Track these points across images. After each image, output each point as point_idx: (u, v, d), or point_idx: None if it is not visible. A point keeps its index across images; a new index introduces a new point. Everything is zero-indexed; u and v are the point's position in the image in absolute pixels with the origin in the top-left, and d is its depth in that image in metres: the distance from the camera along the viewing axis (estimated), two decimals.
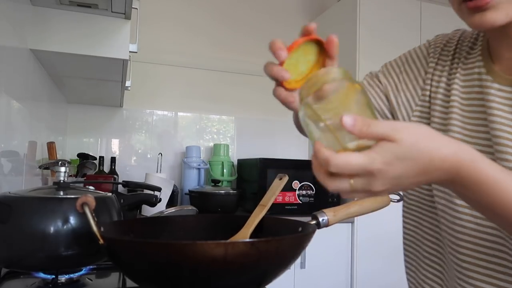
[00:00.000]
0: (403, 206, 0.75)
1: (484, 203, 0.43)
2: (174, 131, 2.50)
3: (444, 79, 0.66)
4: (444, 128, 0.63)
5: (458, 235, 0.60)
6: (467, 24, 0.56)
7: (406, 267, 0.76)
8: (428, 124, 0.66)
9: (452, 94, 0.63)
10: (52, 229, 0.68)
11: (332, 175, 0.40)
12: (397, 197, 0.72)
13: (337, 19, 2.48)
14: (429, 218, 0.68)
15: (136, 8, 1.33)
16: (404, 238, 0.76)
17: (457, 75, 0.64)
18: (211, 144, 2.54)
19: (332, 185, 0.40)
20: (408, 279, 0.76)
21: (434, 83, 0.67)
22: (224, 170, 2.38)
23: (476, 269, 0.58)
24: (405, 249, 0.76)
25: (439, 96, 0.65)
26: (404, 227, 0.75)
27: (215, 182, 2.16)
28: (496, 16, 0.52)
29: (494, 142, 0.57)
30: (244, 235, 0.69)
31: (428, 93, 0.67)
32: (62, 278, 0.79)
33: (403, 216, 0.75)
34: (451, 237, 0.61)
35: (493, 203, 0.42)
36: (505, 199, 0.42)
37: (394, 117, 0.72)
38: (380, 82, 0.74)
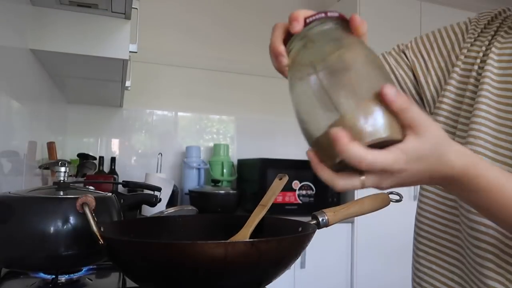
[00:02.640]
0: (419, 201, 0.69)
1: (482, 205, 0.44)
2: (174, 131, 2.50)
3: (480, 55, 0.60)
4: (471, 109, 0.59)
5: (476, 234, 0.57)
6: None
7: (420, 263, 0.69)
8: (460, 105, 0.61)
9: (486, 71, 0.58)
10: (52, 229, 0.68)
11: (339, 171, 0.37)
12: (397, 197, 0.72)
13: None
14: (448, 215, 0.63)
15: (136, 8, 1.33)
16: (417, 235, 0.69)
17: (493, 50, 0.59)
18: (211, 144, 2.54)
19: (342, 183, 0.37)
20: (418, 277, 0.69)
21: (470, 60, 0.62)
22: (224, 170, 2.38)
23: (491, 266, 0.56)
24: (418, 248, 0.70)
25: (473, 73, 0.60)
26: (418, 223, 0.69)
27: (215, 182, 2.16)
28: None
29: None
30: (244, 235, 0.69)
31: (459, 70, 0.62)
32: (62, 278, 0.79)
33: (418, 214, 0.69)
34: (469, 237, 0.58)
35: (490, 206, 0.43)
36: (502, 202, 0.42)
37: (422, 98, 0.67)
38: (407, 58, 0.69)
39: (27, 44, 1.19)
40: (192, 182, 2.31)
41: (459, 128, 0.60)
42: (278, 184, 0.73)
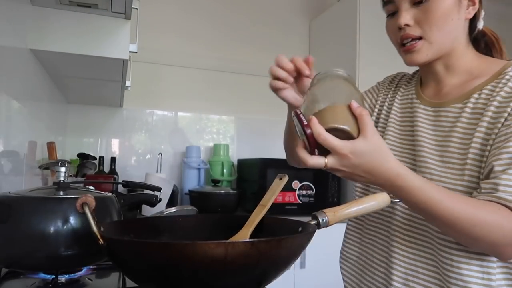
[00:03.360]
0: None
1: (414, 203, 0.62)
2: (174, 131, 2.50)
3: (387, 102, 0.88)
4: (383, 136, 0.84)
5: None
6: (403, 60, 0.78)
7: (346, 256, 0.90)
8: None
9: (391, 112, 0.85)
10: (52, 229, 0.68)
11: (311, 154, 0.58)
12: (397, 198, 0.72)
13: (337, 19, 2.48)
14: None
15: (136, 8, 1.33)
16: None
17: (396, 100, 0.86)
18: (211, 144, 2.54)
19: (311, 161, 0.57)
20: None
21: (379, 106, 0.90)
22: (224, 170, 2.38)
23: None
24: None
25: (382, 115, 0.88)
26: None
27: (215, 182, 2.16)
28: (418, 57, 0.74)
29: (415, 149, 0.77)
30: (244, 235, 0.69)
31: (377, 111, 0.90)
32: (62, 278, 0.79)
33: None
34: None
35: (418, 202, 0.61)
36: (426, 199, 0.60)
37: None
38: None
39: (27, 44, 1.19)
40: (192, 182, 2.31)
41: None
42: (278, 184, 0.73)
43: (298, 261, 1.91)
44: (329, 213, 0.67)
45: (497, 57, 0.80)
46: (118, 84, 1.71)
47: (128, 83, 1.74)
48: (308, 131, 0.56)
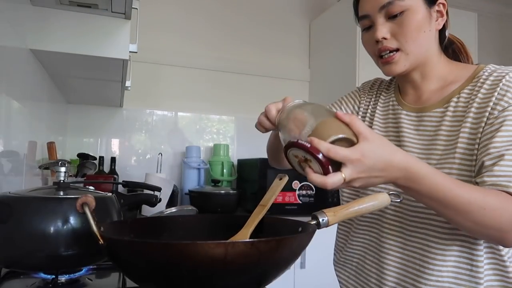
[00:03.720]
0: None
1: (425, 191, 0.61)
2: (174, 131, 2.50)
3: (370, 109, 0.92)
4: None
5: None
6: (382, 71, 0.81)
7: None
8: None
9: (375, 118, 0.89)
10: (52, 229, 0.68)
11: (326, 174, 0.56)
12: (397, 198, 0.72)
13: (337, 19, 2.48)
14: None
15: (136, 8, 1.33)
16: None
17: (378, 106, 0.90)
18: (211, 144, 2.54)
19: (330, 180, 0.55)
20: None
21: (362, 113, 0.93)
22: (224, 170, 2.38)
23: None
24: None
25: (366, 119, 0.91)
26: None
27: (215, 182, 2.16)
28: (397, 67, 0.78)
29: None
30: (244, 235, 0.69)
31: (360, 117, 0.91)
32: (62, 278, 0.79)
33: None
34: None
35: (430, 190, 0.61)
36: (438, 186, 0.61)
37: None
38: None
39: (27, 44, 1.19)
40: (192, 182, 2.31)
41: None
42: (278, 184, 0.73)
43: (298, 261, 1.91)
44: (329, 213, 0.67)
45: (464, 61, 0.86)
46: (118, 84, 1.71)
47: (128, 83, 1.74)
48: (315, 151, 0.55)
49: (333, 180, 0.55)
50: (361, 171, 0.56)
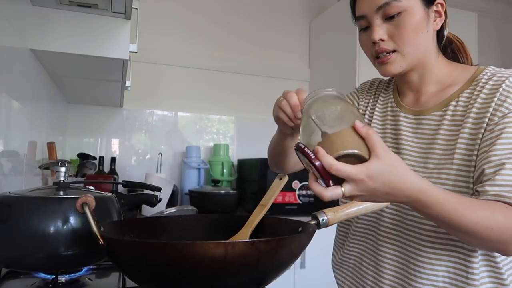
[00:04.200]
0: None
1: (434, 215, 0.60)
2: (174, 131, 2.50)
3: (368, 110, 0.91)
4: None
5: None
6: (379, 71, 0.80)
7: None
8: None
9: (373, 120, 0.88)
10: (52, 229, 0.68)
11: (326, 186, 0.53)
12: None
13: (337, 19, 2.48)
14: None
15: (136, 8, 1.32)
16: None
17: (376, 107, 0.89)
18: (211, 144, 2.54)
19: (328, 193, 0.53)
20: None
21: (361, 111, 0.92)
22: (224, 170, 2.38)
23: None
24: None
25: (365, 121, 0.86)
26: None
27: (215, 182, 2.16)
28: (392, 68, 0.77)
29: (400, 155, 0.79)
30: (244, 235, 0.69)
31: None
32: (62, 278, 0.79)
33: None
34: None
35: (439, 215, 0.60)
36: (447, 211, 0.59)
37: None
38: None
39: (27, 44, 1.18)
40: (192, 182, 2.31)
41: None
42: (278, 184, 0.73)
43: (298, 261, 1.91)
44: (329, 213, 0.67)
45: (463, 60, 0.85)
46: (118, 84, 1.71)
47: (128, 83, 1.73)
48: (317, 163, 0.52)
49: (331, 194, 0.53)
50: (362, 190, 0.54)
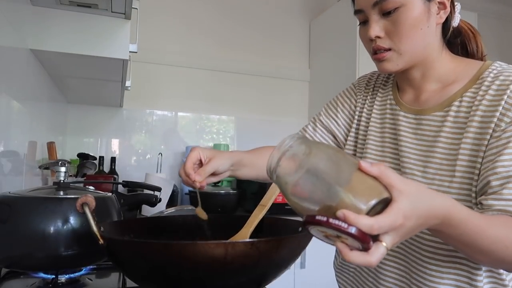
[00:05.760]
0: None
1: (456, 235, 0.55)
2: (174, 131, 2.50)
3: (366, 107, 0.88)
4: (364, 143, 0.84)
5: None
6: (377, 68, 0.78)
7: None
8: (356, 139, 0.87)
9: (371, 118, 0.85)
10: (52, 229, 0.68)
11: (367, 250, 0.45)
12: None
13: (337, 19, 2.48)
14: None
15: (136, 8, 1.33)
16: None
17: (375, 104, 0.86)
18: (211, 144, 2.54)
19: (374, 258, 0.45)
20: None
21: (358, 111, 0.89)
22: None
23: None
24: None
25: (363, 118, 0.87)
26: None
27: (215, 182, 2.16)
28: (389, 65, 0.74)
29: (400, 155, 0.76)
30: (244, 235, 0.69)
31: (357, 116, 0.89)
32: (62, 278, 0.79)
33: None
34: None
35: (461, 235, 0.55)
36: (472, 230, 0.54)
37: (339, 144, 0.91)
38: (323, 123, 0.93)
39: (27, 44, 1.18)
40: None
41: (358, 148, 0.87)
42: None
43: (298, 261, 1.91)
44: None
45: (473, 51, 0.79)
46: (118, 84, 1.71)
47: (128, 83, 1.73)
48: (353, 230, 0.43)
49: (377, 257, 0.45)
50: (403, 234, 0.48)
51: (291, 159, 0.50)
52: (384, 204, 0.46)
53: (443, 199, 0.52)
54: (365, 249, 0.45)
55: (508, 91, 0.66)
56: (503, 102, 0.66)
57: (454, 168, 0.68)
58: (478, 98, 0.69)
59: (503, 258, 0.57)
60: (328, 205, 0.46)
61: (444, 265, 0.68)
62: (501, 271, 0.68)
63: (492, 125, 0.65)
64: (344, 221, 0.43)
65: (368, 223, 0.43)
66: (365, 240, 0.44)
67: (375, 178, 0.47)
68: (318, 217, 0.44)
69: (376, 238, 0.45)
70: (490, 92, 0.68)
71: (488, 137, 0.65)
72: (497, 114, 0.65)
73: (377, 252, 0.45)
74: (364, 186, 0.46)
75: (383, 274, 0.76)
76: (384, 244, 0.46)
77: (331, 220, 0.43)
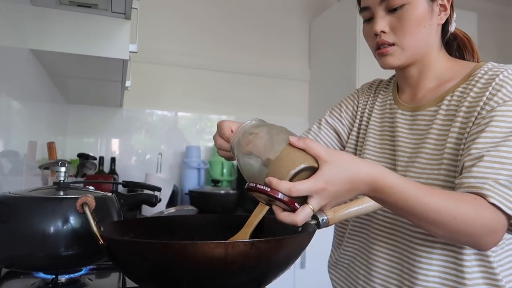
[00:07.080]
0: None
1: (393, 202, 0.59)
2: (174, 131, 2.50)
3: (367, 108, 0.92)
4: (364, 141, 0.88)
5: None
6: (379, 63, 0.80)
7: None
8: (357, 138, 0.92)
9: (371, 118, 0.89)
10: (52, 229, 0.68)
11: (294, 211, 0.54)
12: None
13: (337, 19, 2.48)
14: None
15: (136, 8, 1.32)
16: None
17: (375, 105, 0.90)
18: (211, 144, 2.54)
19: (299, 217, 0.53)
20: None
21: (360, 114, 0.93)
22: (224, 170, 2.38)
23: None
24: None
25: (364, 122, 0.91)
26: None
27: (215, 182, 2.16)
28: (391, 60, 0.77)
29: (395, 151, 0.80)
30: (244, 235, 0.69)
31: (359, 117, 0.93)
32: (62, 278, 0.79)
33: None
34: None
35: (399, 200, 0.59)
36: (406, 196, 0.58)
37: (343, 145, 0.95)
38: (328, 122, 0.96)
39: (27, 44, 1.18)
40: (192, 182, 2.31)
41: (359, 146, 0.91)
42: None
43: (298, 261, 1.91)
44: (329, 213, 0.67)
45: (469, 57, 0.84)
46: (118, 84, 1.71)
47: (128, 83, 1.73)
48: (279, 195, 0.52)
49: (302, 216, 0.53)
50: (328, 197, 0.54)
51: (245, 138, 0.60)
52: (312, 172, 0.54)
53: (370, 167, 0.57)
54: (293, 210, 0.53)
55: (493, 83, 0.69)
56: (487, 93, 0.69)
57: (442, 158, 0.71)
58: (467, 91, 0.73)
59: (456, 229, 0.60)
60: (264, 175, 0.55)
61: (433, 251, 0.71)
62: (489, 254, 0.70)
63: (475, 114, 0.69)
64: (269, 186, 0.52)
65: (286, 187, 0.52)
66: (288, 202, 0.52)
67: (304, 151, 0.55)
68: (250, 185, 0.54)
69: (305, 202, 0.53)
70: (478, 85, 0.72)
71: (471, 124, 0.69)
72: (481, 103, 0.69)
73: (303, 213, 0.53)
74: (289, 158, 0.54)
75: (375, 266, 0.79)
76: (310, 206, 0.53)
77: (258, 186, 0.53)
